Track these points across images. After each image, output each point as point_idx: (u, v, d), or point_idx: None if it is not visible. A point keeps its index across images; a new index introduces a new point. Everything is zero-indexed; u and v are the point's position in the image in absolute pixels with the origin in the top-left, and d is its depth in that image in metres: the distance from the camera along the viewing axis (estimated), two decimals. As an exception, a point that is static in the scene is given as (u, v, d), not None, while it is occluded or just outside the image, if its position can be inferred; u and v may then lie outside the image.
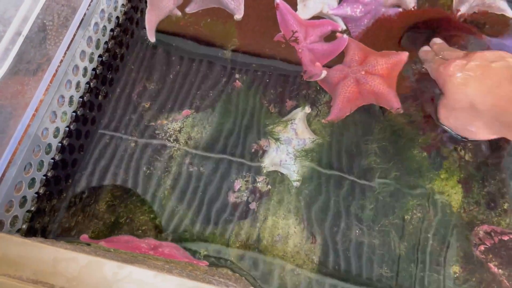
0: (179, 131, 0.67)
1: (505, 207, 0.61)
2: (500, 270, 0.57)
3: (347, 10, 0.74)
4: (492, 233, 0.59)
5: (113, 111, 0.64)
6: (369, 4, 0.74)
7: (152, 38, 0.69)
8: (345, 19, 0.74)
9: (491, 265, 0.58)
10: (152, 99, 0.68)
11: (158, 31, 0.71)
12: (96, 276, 0.39)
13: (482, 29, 0.73)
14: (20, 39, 0.49)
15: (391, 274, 0.56)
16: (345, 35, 0.71)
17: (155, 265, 0.42)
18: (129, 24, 0.65)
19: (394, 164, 0.59)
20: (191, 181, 0.63)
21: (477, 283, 0.57)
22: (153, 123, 0.67)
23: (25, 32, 0.49)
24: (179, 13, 0.73)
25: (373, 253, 0.56)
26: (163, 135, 0.66)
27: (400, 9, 0.75)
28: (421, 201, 0.59)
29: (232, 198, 0.62)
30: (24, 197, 0.48)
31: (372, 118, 0.65)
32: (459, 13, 0.75)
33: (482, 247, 0.58)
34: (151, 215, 0.61)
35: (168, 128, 0.67)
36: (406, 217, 0.58)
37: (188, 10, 0.74)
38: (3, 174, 0.44)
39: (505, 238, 0.59)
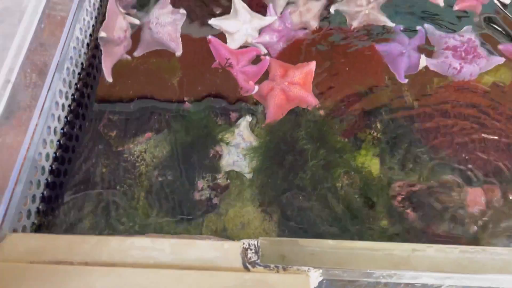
0: (144, 152, 0.79)
1: (410, 167, 0.79)
2: (414, 213, 0.74)
3: (266, 37, 0.92)
4: (404, 186, 0.76)
5: (87, 140, 0.75)
6: (282, 31, 0.92)
7: (109, 78, 0.82)
8: (266, 44, 0.92)
9: (408, 211, 0.74)
10: (117, 128, 0.80)
11: (114, 73, 0.84)
12: (106, 249, 0.50)
13: (372, 37, 0.93)
14: (9, 86, 0.60)
15: (335, 230, 0.71)
16: (267, 57, 0.88)
17: (151, 235, 0.53)
18: (91, 68, 0.78)
19: (321, 145, 0.76)
20: (161, 189, 0.75)
21: (402, 230, 0.73)
22: (120, 149, 0.78)
23: (12, 79, 0.61)
24: (129, 57, 0.87)
25: (317, 215, 0.70)
26: (131, 158, 0.78)
27: (307, 30, 0.94)
28: (348, 171, 0.75)
29: (197, 196, 0.74)
30: (29, 211, 0.58)
31: (299, 115, 0.81)
32: (352, 27, 0.95)
33: (399, 198, 0.75)
34: (130, 223, 0.72)
35: (135, 151, 0.79)
36: (337, 184, 0.74)
37: (136, 54, 0.88)
38: (14, 189, 0.54)
39: (414, 189, 0.76)
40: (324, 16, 0.97)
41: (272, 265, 0.49)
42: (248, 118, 0.82)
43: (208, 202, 0.74)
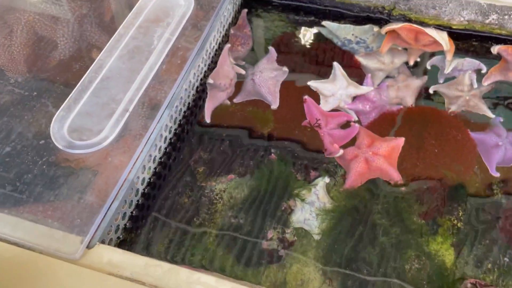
0: (224, 191, 0.84)
1: (489, 267, 0.75)
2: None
3: (359, 105, 0.95)
4: (477, 285, 0.72)
5: (178, 171, 0.83)
6: (376, 102, 0.95)
7: (208, 119, 0.90)
8: (357, 112, 0.94)
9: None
10: (205, 165, 0.86)
11: (213, 115, 0.92)
12: (175, 278, 0.54)
13: (468, 123, 0.92)
14: (127, 114, 0.70)
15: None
16: (356, 124, 0.91)
17: (217, 274, 0.57)
18: (194, 108, 0.87)
19: (395, 223, 0.75)
20: (232, 230, 0.79)
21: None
22: (204, 184, 0.85)
23: (130, 109, 0.70)
24: (228, 103, 0.95)
25: (378, 293, 0.69)
26: (211, 194, 0.84)
27: (401, 106, 0.95)
28: (419, 255, 0.73)
29: (265, 245, 0.77)
30: (118, 226, 0.65)
31: (378, 187, 0.82)
32: (450, 111, 0.94)
33: (469, 296, 0.71)
34: (199, 257, 0.76)
35: (215, 188, 0.84)
36: (406, 266, 0.72)
37: (236, 100, 0.96)
38: (110, 206, 0.61)
39: (488, 290, 0.72)
40: (422, 95, 0.98)
41: (323, 335, 0.50)
42: (327, 179, 0.84)
43: (274, 253, 0.76)
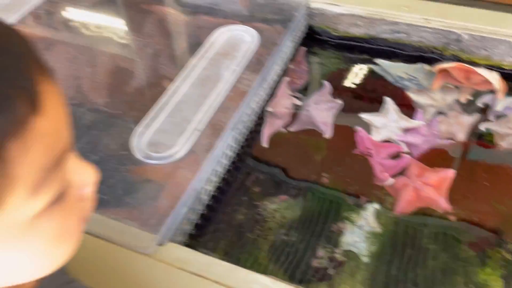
0: (276, 211, 0.90)
1: (541, 301, 0.74)
2: None
3: (410, 138, 0.99)
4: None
5: (236, 189, 0.90)
6: (427, 136, 0.99)
7: (265, 144, 0.98)
8: (408, 144, 0.98)
9: None
10: (260, 185, 0.93)
11: (270, 141, 0.99)
12: (234, 276, 0.60)
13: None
14: (196, 133, 0.79)
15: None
16: (407, 155, 0.95)
17: (272, 277, 0.62)
18: (254, 133, 0.95)
19: (444, 249, 0.77)
20: (283, 246, 0.84)
21: None
22: (258, 203, 0.91)
23: (200, 128, 0.79)
24: (284, 130, 1.02)
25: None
26: (264, 213, 0.90)
27: (452, 141, 0.98)
28: (467, 283, 0.75)
29: (315, 262, 0.81)
30: (184, 231, 0.72)
31: (428, 215, 0.84)
32: (501, 147, 0.96)
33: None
34: (252, 269, 0.81)
35: (269, 208, 0.90)
36: (453, 292, 0.73)
37: (291, 129, 1.03)
38: (180, 211, 0.69)
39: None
40: (473, 132, 1.00)
41: (371, 338, 0.53)
42: (376, 205, 0.88)
43: (323, 271, 0.80)
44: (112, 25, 1.19)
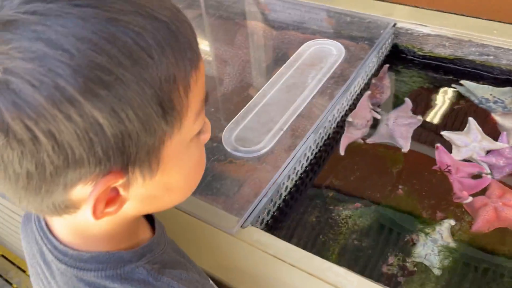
0: (349, 217, 0.93)
1: None
2: None
3: (493, 159, 0.97)
4: None
5: (311, 192, 0.95)
6: (511, 159, 0.96)
7: (342, 152, 1.01)
8: (490, 165, 0.97)
9: None
10: (335, 191, 0.96)
11: (347, 150, 1.03)
12: (310, 262, 0.64)
13: None
14: (281, 132, 0.85)
15: None
16: (489, 176, 0.93)
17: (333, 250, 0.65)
18: (332, 140, 0.99)
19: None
20: (354, 251, 0.86)
21: None
22: (332, 207, 0.94)
23: (284, 128, 0.85)
24: (362, 142, 1.06)
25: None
26: (337, 218, 0.93)
27: (538, 165, 0.95)
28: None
29: (385, 269, 0.82)
30: (263, 220, 0.78)
31: (507, 235, 0.82)
32: None
33: None
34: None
35: (342, 213, 0.93)
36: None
37: (369, 141, 1.06)
38: (261, 200, 0.75)
39: None
40: None
41: (441, 335, 0.55)
42: (452, 222, 0.87)
43: (392, 278, 0.81)
44: (206, 38, 1.31)
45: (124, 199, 0.40)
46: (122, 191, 0.39)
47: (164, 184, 0.42)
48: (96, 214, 0.37)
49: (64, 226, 0.45)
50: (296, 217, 0.92)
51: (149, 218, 0.53)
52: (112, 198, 0.38)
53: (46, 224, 0.47)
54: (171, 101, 0.36)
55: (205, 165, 0.48)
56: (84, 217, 0.40)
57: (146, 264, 0.45)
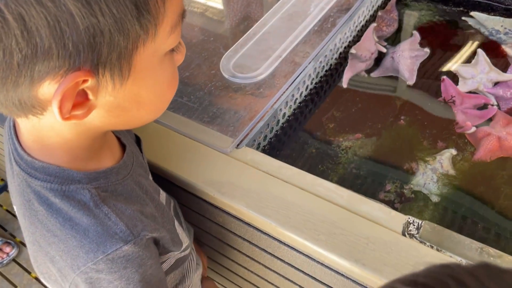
0: (350, 148, 0.92)
1: None
2: None
3: (500, 91, 0.94)
4: None
5: (312, 123, 0.94)
6: (520, 90, 0.93)
7: (345, 84, 1.00)
8: (497, 97, 0.94)
9: None
10: (335, 123, 0.96)
11: (350, 81, 1.01)
12: (302, 178, 0.65)
13: None
14: (279, 60, 0.83)
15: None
16: (495, 107, 0.91)
17: (331, 178, 0.65)
18: (335, 71, 0.97)
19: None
20: (352, 178, 0.86)
21: None
22: (332, 139, 0.94)
23: (283, 55, 0.84)
24: (366, 75, 1.03)
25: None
26: (337, 149, 0.92)
27: (547, 96, 0.92)
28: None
29: (382, 195, 0.83)
30: (259, 144, 0.78)
31: (507, 162, 0.81)
32: None
33: None
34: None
35: (342, 145, 0.93)
36: (526, 236, 0.71)
37: (373, 75, 1.04)
38: (257, 123, 0.75)
39: None
40: None
41: (428, 243, 0.55)
42: (453, 151, 0.86)
43: (389, 204, 0.81)
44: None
45: (92, 105, 0.39)
46: (91, 95, 0.38)
47: (134, 96, 0.41)
48: (62, 112, 0.37)
49: (27, 130, 0.44)
50: (295, 147, 0.92)
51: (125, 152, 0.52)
52: (81, 102, 0.38)
53: (14, 126, 0.47)
54: (146, 3, 0.36)
55: (177, 86, 0.47)
56: (49, 122, 0.40)
57: (94, 189, 0.44)
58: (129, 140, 0.56)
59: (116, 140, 0.53)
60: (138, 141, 0.62)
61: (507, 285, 0.27)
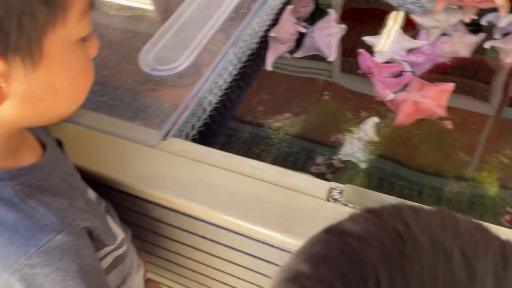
0: (281, 128, 0.94)
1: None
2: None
3: (413, 58, 1.00)
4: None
5: (241, 108, 0.95)
6: (430, 55, 1.00)
7: (269, 67, 1.02)
8: (411, 64, 1.00)
9: None
10: (264, 105, 0.98)
11: (274, 64, 1.03)
12: (229, 161, 0.66)
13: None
14: (199, 48, 0.83)
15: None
16: (409, 73, 0.96)
17: (266, 159, 0.67)
18: (257, 56, 0.99)
19: (435, 149, 0.80)
20: (284, 155, 0.89)
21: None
22: (263, 121, 0.96)
23: (202, 44, 0.84)
24: (288, 56, 1.06)
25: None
26: (269, 130, 0.94)
27: (455, 58, 0.99)
28: (460, 179, 0.78)
29: (313, 169, 0.86)
30: (188, 134, 0.78)
31: (425, 122, 0.87)
32: (505, 62, 0.96)
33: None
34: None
35: (273, 125, 0.95)
36: (445, 187, 0.77)
37: (295, 55, 1.07)
38: (182, 113, 0.75)
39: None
40: (477, 49, 1.01)
41: (351, 205, 0.58)
42: (376, 119, 0.91)
43: (321, 177, 0.84)
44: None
45: (4, 94, 0.38)
46: (2, 82, 0.37)
47: (47, 83, 0.41)
48: None
49: None
50: (228, 133, 0.93)
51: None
52: None
53: None
54: None
55: (93, 77, 0.47)
56: None
57: (17, 186, 0.43)
58: (49, 141, 0.54)
59: (35, 139, 0.52)
60: (60, 145, 0.60)
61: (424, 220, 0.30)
